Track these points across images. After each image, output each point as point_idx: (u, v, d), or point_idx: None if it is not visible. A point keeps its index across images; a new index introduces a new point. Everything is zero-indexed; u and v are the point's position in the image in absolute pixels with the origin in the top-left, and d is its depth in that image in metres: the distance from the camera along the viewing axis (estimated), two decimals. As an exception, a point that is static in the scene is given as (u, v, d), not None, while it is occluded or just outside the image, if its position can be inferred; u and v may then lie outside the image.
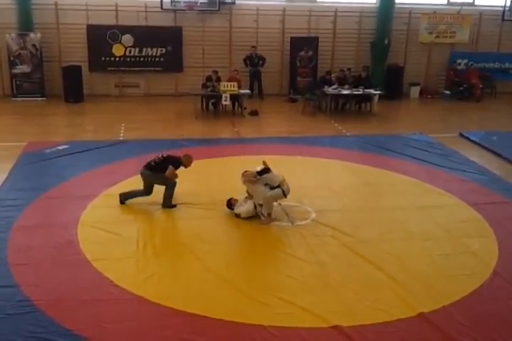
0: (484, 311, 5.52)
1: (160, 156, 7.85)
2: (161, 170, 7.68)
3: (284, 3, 15.90)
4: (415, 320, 5.34)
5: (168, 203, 7.84)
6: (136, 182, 8.72)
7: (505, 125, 13.40)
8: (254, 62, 15.46)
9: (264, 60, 15.52)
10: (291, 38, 15.90)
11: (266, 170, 7.60)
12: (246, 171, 7.64)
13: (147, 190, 7.87)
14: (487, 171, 9.83)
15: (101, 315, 5.29)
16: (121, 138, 11.44)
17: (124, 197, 7.91)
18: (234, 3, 15.44)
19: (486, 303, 5.67)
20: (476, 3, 16.96)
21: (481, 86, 16.30)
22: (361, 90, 14.16)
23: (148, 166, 7.79)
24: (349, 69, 15.18)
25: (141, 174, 7.87)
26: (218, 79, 13.88)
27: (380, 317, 5.35)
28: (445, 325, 5.23)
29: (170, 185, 7.78)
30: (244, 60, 15.46)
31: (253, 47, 15.43)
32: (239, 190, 8.42)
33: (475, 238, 7.11)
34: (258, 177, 7.46)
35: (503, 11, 16.72)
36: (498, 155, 10.87)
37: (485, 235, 7.21)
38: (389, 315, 5.39)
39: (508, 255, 6.66)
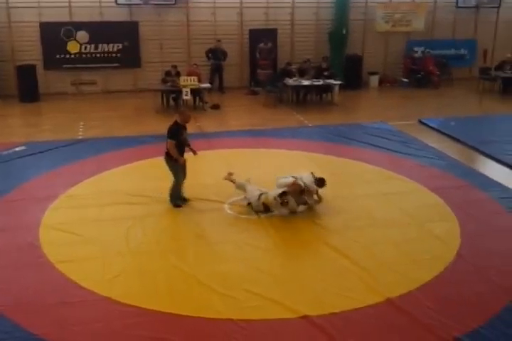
0: (449, 294, 5.64)
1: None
2: (169, 155, 7.42)
3: (241, -5, 15.81)
4: (383, 305, 5.42)
5: (172, 199, 7.61)
6: (98, 182, 8.60)
7: (463, 110, 13.68)
8: (217, 55, 15.33)
9: (226, 54, 15.42)
10: (250, 30, 15.85)
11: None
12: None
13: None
14: (446, 156, 10.03)
15: (67, 318, 5.21)
16: (80, 137, 11.22)
17: (173, 200, 7.62)
18: (190, -4, 15.29)
19: (450, 286, 5.79)
20: (430, -10, 17.22)
21: (438, 73, 16.59)
22: (321, 81, 14.24)
23: (165, 152, 7.52)
24: (308, 60, 15.22)
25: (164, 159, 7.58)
26: (178, 74, 13.74)
27: (349, 305, 5.41)
28: (412, 309, 5.33)
29: (176, 178, 7.52)
30: (207, 53, 15.30)
31: (218, 40, 15.29)
32: (201, 185, 8.41)
33: (438, 222, 7.25)
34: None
35: (457, -2, 17.03)
36: (457, 140, 11.10)
37: (447, 219, 7.35)
38: (357, 302, 5.46)
39: (470, 238, 6.82)
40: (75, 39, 14.91)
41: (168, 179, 8.78)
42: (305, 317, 5.19)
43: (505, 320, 5.17)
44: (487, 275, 5.93)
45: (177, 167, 7.51)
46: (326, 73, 14.43)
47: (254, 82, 16.06)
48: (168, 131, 7.39)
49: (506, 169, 9.47)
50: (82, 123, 12.27)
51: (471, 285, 5.79)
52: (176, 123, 7.48)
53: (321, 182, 7.64)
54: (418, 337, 4.97)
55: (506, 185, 8.57)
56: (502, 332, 5.00)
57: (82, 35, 14.93)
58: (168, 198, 7.69)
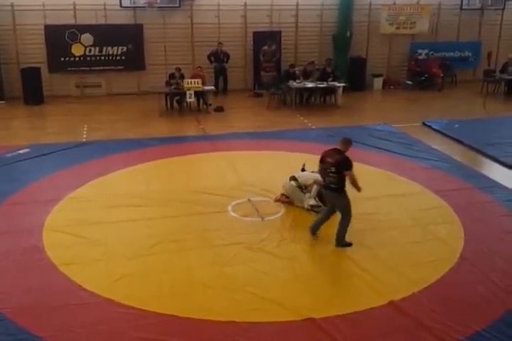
0: (453, 296, 5.63)
1: (329, 172, 6.48)
2: (342, 189, 6.49)
3: (244, -3, 15.84)
4: (386, 308, 5.41)
5: (341, 241, 6.63)
6: (103, 184, 8.63)
7: (466, 112, 13.64)
8: (219, 58, 15.38)
9: (228, 56, 15.46)
10: (254, 33, 15.86)
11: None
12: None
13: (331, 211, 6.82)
14: (450, 159, 10.01)
15: (71, 320, 5.23)
16: (84, 140, 11.24)
17: (341, 242, 6.67)
18: (194, -1, 15.32)
19: (454, 288, 5.77)
20: (434, -7, 17.21)
21: (441, 75, 16.54)
22: (325, 83, 14.23)
23: (328, 187, 6.60)
24: (312, 62, 15.22)
25: (325, 194, 6.86)
26: (182, 77, 13.77)
27: (352, 307, 5.41)
28: (415, 312, 5.32)
29: (349, 215, 6.55)
30: (209, 57, 15.35)
31: (220, 43, 15.35)
32: (207, 188, 8.43)
33: (441, 224, 7.23)
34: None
35: (461, 0, 16.98)
36: (460, 142, 11.07)
37: (451, 221, 7.34)
38: (361, 305, 5.45)
39: (474, 240, 6.80)
40: (80, 42, 14.94)
41: (171, 181, 8.84)
42: (309, 320, 5.18)
43: (509, 323, 5.15)
44: (491, 278, 5.91)
45: (348, 201, 6.55)
46: (330, 79, 14.34)
47: (258, 84, 16.07)
48: (346, 162, 6.38)
49: (510, 171, 9.44)
50: (86, 125, 12.29)
51: (475, 287, 5.77)
52: (340, 152, 6.51)
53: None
54: (421, 340, 4.95)
55: (511, 187, 8.54)
56: (505, 335, 4.98)
57: (87, 38, 14.97)
58: (339, 242, 6.66)
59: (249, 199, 7.99)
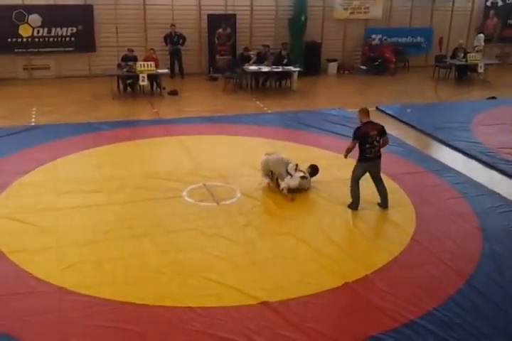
0: (405, 278, 5.74)
1: (375, 143, 6.99)
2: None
3: (198, -21, 15.54)
4: (341, 290, 5.48)
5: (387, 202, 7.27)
6: (52, 170, 8.37)
7: (418, 97, 13.91)
8: (173, 40, 15.12)
9: (184, 38, 15.21)
10: (208, 15, 15.63)
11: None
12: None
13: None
14: (403, 143, 10.17)
15: (21, 309, 5.08)
16: (32, 124, 10.87)
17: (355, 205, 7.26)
18: (146, -21, 14.94)
19: (406, 270, 5.89)
20: (387, -22, 17.32)
21: (394, 60, 16.79)
22: (281, 67, 14.19)
23: (377, 157, 7.13)
24: (267, 45, 15.14)
25: (371, 166, 7.16)
26: (135, 59, 13.46)
27: (307, 290, 5.45)
28: (369, 293, 5.40)
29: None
30: (165, 38, 15.12)
31: (172, 25, 15.08)
32: (161, 173, 8.30)
33: (394, 207, 7.35)
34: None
35: (414, -13, 17.22)
36: (413, 127, 11.28)
37: (403, 204, 7.47)
38: (315, 287, 5.50)
39: (425, 223, 6.95)
40: (27, 22, 14.40)
41: (124, 166, 8.65)
42: (264, 304, 5.20)
43: (459, 302, 5.29)
44: (441, 259, 6.05)
45: None
46: (284, 61, 14.32)
47: (212, 68, 15.89)
48: (384, 128, 7.15)
49: (460, 155, 9.69)
50: (34, 109, 11.88)
51: (426, 269, 5.90)
52: (373, 122, 7.18)
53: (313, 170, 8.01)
54: (375, 320, 5.04)
55: (460, 170, 8.77)
56: (456, 314, 5.12)
57: (35, 19, 14.43)
58: (384, 205, 7.31)
59: (204, 184, 7.91)
